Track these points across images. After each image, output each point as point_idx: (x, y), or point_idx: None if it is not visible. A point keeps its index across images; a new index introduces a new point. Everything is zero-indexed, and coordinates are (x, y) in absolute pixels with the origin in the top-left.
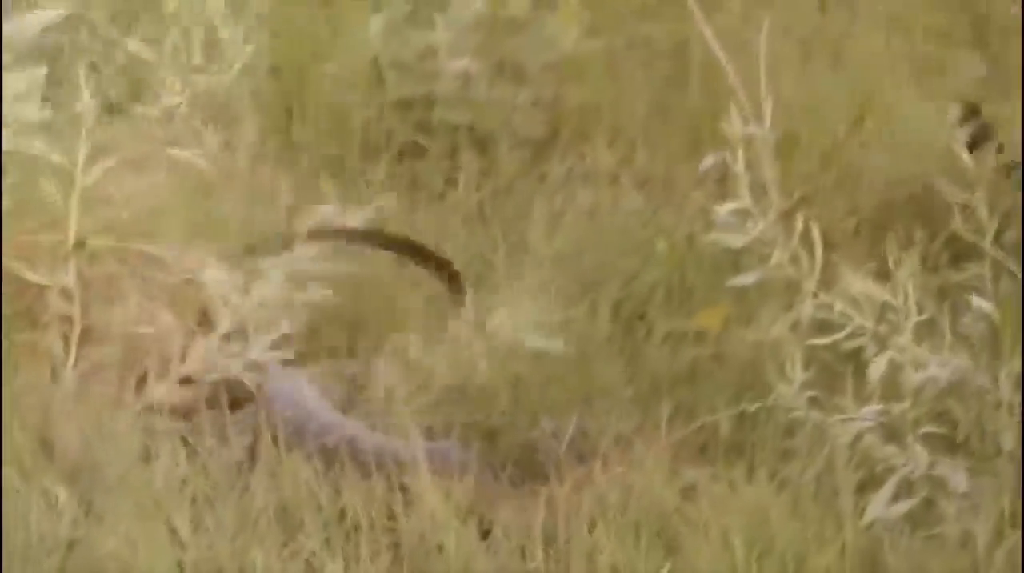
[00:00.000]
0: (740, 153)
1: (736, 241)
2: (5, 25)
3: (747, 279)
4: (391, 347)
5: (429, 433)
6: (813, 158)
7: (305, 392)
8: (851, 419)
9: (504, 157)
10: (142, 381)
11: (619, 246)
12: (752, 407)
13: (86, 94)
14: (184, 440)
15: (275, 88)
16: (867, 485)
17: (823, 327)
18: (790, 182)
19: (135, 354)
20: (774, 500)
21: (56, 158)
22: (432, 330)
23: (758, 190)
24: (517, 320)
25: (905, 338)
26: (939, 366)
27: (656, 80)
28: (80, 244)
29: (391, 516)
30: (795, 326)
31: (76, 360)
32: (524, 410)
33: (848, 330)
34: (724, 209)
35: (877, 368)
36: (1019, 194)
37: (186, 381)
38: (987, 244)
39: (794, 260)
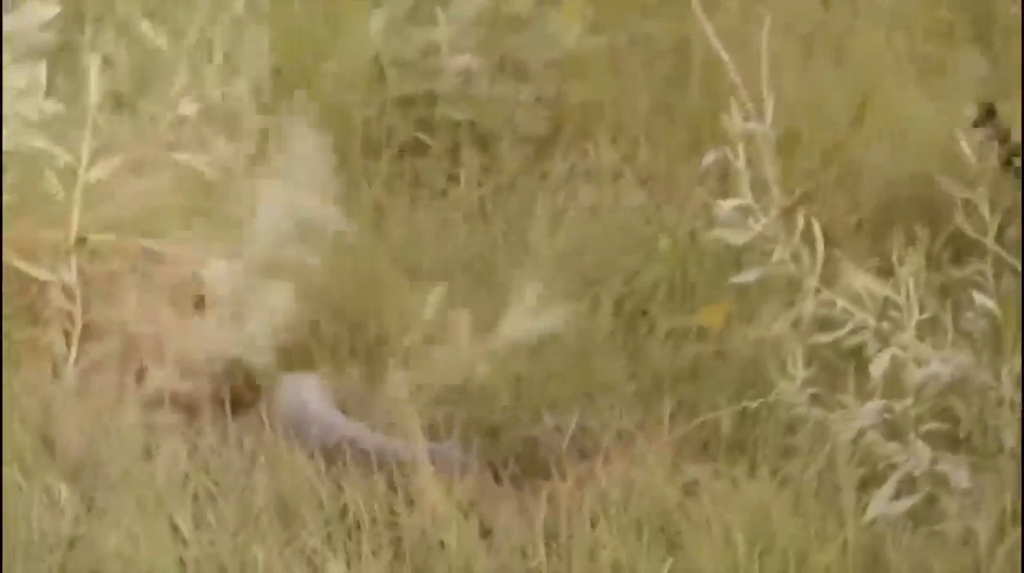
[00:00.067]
0: (741, 150)
1: (738, 238)
2: (6, 20)
3: (749, 276)
4: (392, 345)
5: (431, 430)
6: (815, 155)
7: (308, 394)
8: (853, 416)
9: (506, 154)
10: (142, 374)
11: (621, 243)
12: (754, 404)
13: (93, 90)
14: (186, 437)
15: (276, 86)
16: (869, 482)
17: (825, 324)
18: (791, 179)
19: (136, 350)
20: (776, 497)
21: (60, 154)
22: (433, 328)
23: (760, 187)
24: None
25: (907, 335)
26: (941, 363)
27: (658, 77)
28: (82, 240)
29: (392, 513)
30: (797, 323)
31: (77, 357)
32: (526, 407)
33: (850, 327)
34: (726, 206)
35: (879, 365)
36: (1020, 191)
37: (186, 372)
38: (989, 241)
39: (796, 257)
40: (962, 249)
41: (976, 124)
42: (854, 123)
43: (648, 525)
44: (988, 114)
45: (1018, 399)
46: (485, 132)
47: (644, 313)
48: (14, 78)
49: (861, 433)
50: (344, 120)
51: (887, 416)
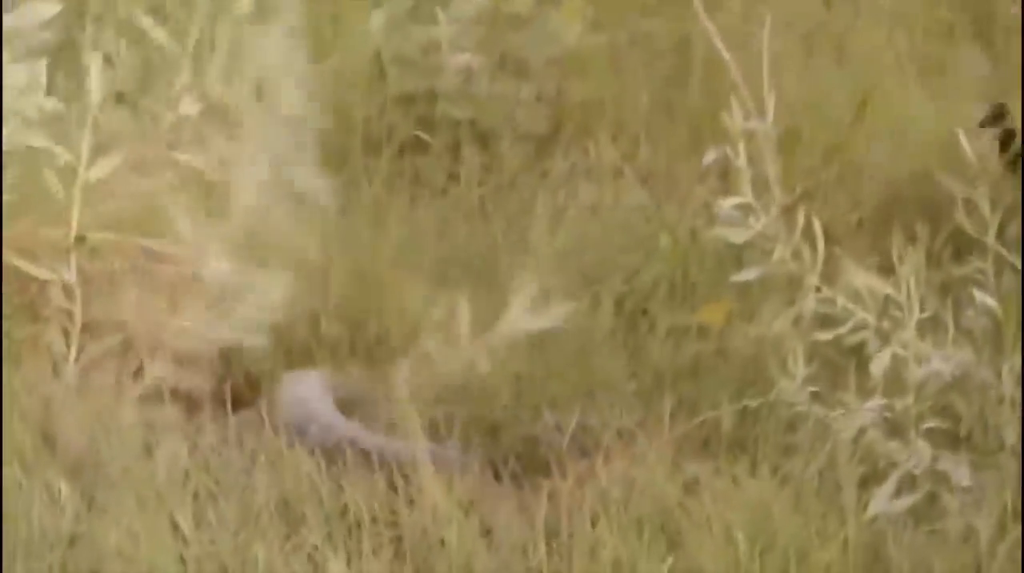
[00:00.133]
0: (742, 148)
1: (738, 236)
2: (6, 19)
3: (750, 274)
4: (393, 344)
5: (432, 428)
6: (815, 153)
7: (308, 392)
8: (854, 414)
9: (506, 152)
10: (141, 371)
11: (622, 241)
12: (755, 402)
13: (94, 88)
14: (186, 435)
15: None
16: (870, 480)
17: (825, 322)
18: (792, 177)
19: (136, 348)
20: (777, 495)
21: (60, 153)
22: (434, 326)
23: (760, 185)
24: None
25: (908, 333)
26: (942, 361)
27: (659, 76)
28: (81, 239)
29: (393, 511)
30: (797, 321)
31: (77, 355)
32: (526, 405)
33: (851, 325)
34: (726, 204)
35: (880, 363)
36: (1020, 190)
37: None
38: (990, 239)
39: (796, 255)
40: (963, 247)
41: (983, 124)
42: (855, 122)
43: (649, 523)
44: (998, 116)
45: (1019, 397)
46: (486, 130)
47: (645, 311)
48: (14, 76)
49: (862, 431)
50: (344, 118)
51: (888, 414)
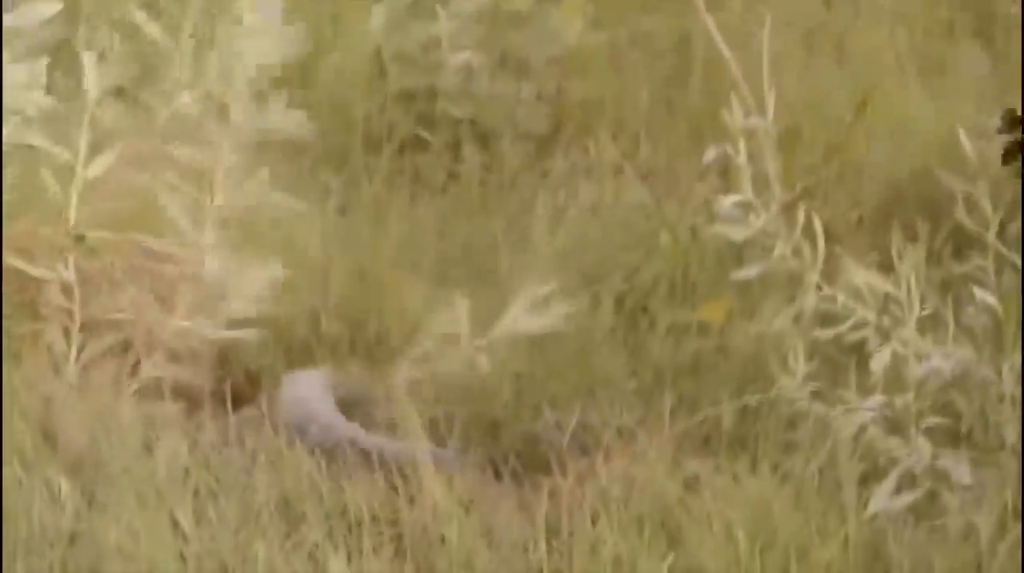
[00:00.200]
0: (742, 146)
1: (739, 234)
2: (7, 17)
3: (750, 272)
4: (393, 342)
5: (432, 426)
6: (816, 151)
7: (309, 392)
8: (854, 411)
9: (507, 151)
10: (139, 367)
11: (622, 239)
12: (755, 400)
13: (89, 84)
14: (186, 432)
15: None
16: (870, 477)
17: (826, 319)
18: (792, 175)
19: (135, 346)
20: (777, 492)
21: (57, 150)
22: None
23: (761, 183)
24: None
25: (908, 330)
26: (942, 358)
27: (659, 74)
28: (80, 238)
29: (393, 509)
30: (798, 318)
31: (78, 353)
32: (527, 403)
33: (851, 322)
34: (727, 202)
35: (880, 360)
36: (1021, 187)
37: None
38: (990, 237)
39: (797, 252)
40: (963, 244)
41: (1001, 131)
42: (855, 120)
43: (649, 521)
44: (1015, 121)
45: (1019, 394)
46: (486, 129)
47: (645, 309)
48: (14, 75)
49: (862, 429)
50: (345, 115)
51: (888, 412)
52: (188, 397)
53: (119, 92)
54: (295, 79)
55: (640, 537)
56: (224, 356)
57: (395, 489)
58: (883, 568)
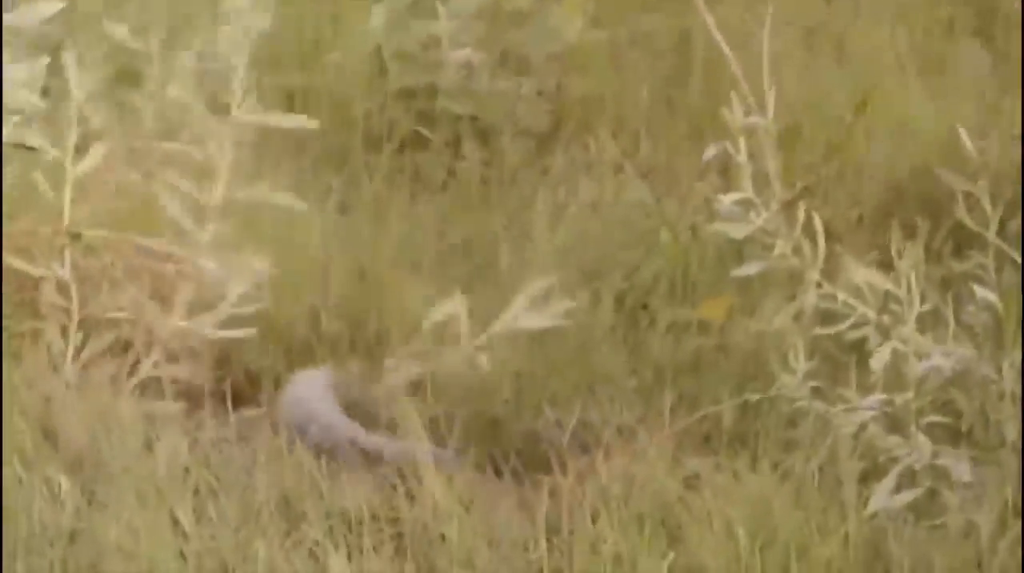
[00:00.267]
0: (742, 144)
1: (739, 231)
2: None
3: (750, 269)
4: (393, 340)
5: (432, 425)
6: (816, 149)
7: (309, 392)
8: (854, 409)
9: (507, 148)
10: (138, 365)
11: (622, 237)
12: (755, 397)
13: (75, 84)
14: (186, 431)
15: (277, 78)
16: (870, 475)
17: (826, 317)
18: (793, 173)
19: (133, 343)
20: (777, 490)
21: (47, 148)
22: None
23: (761, 181)
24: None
25: (908, 328)
26: (942, 356)
27: (659, 71)
28: (76, 236)
29: (393, 507)
30: (798, 316)
31: (77, 351)
32: (527, 401)
33: (851, 320)
34: (727, 200)
35: (880, 358)
36: (1021, 185)
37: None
38: (990, 234)
39: (797, 250)
40: (963, 242)
41: None
42: (855, 118)
43: (649, 519)
44: None
45: (1019, 392)
46: (486, 126)
47: (645, 307)
48: (14, 75)
49: (862, 426)
50: (345, 113)
51: (888, 410)
52: (188, 396)
53: (105, 91)
54: (296, 77)
55: (640, 535)
56: (224, 355)
57: (395, 488)
58: (883, 566)
